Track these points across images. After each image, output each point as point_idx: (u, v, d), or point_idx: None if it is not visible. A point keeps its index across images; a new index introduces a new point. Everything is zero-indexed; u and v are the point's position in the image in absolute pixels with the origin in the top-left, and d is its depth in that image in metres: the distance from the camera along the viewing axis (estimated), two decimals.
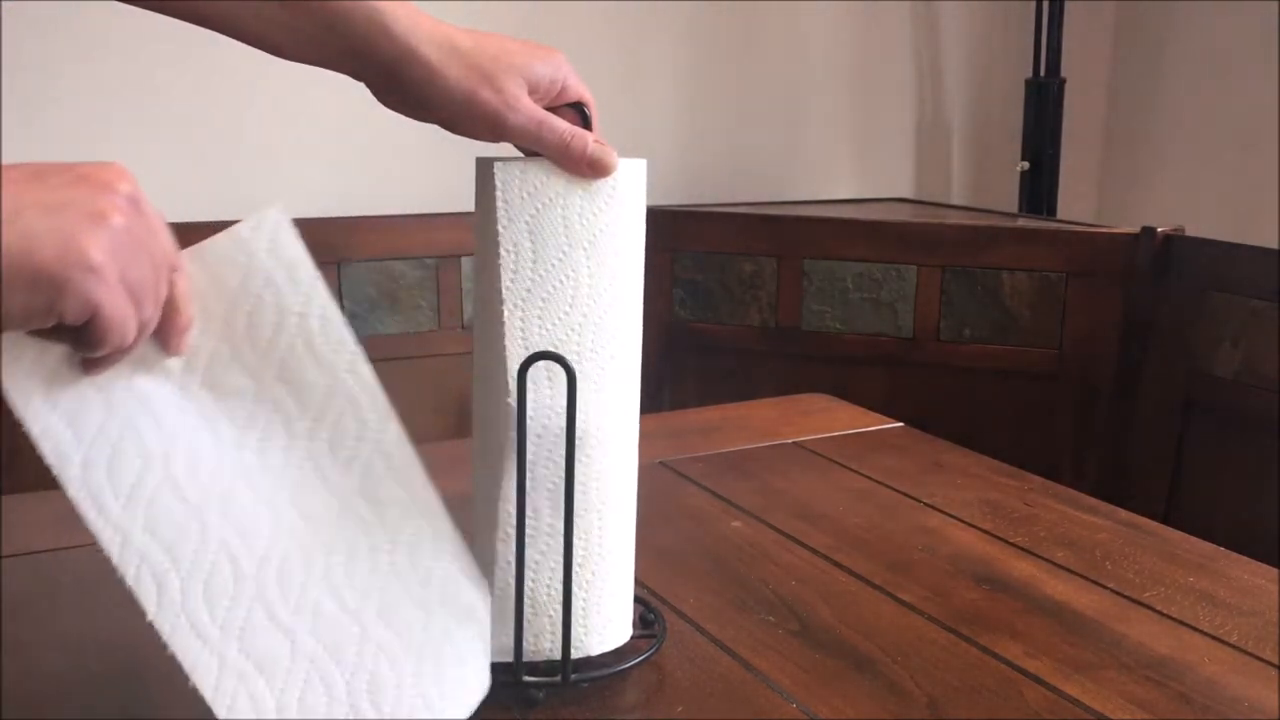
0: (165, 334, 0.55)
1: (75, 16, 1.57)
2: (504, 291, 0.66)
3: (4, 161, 0.48)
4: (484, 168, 0.66)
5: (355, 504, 0.61)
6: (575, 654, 0.70)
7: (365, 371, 0.60)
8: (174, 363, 0.57)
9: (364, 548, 0.62)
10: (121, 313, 0.50)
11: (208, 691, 0.56)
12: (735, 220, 1.90)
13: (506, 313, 0.66)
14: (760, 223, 1.88)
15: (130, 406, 0.55)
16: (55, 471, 0.54)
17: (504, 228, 0.65)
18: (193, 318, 0.56)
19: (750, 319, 1.88)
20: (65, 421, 0.54)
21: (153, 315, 0.53)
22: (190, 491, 0.56)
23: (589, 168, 0.66)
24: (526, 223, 0.65)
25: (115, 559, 0.55)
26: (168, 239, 0.53)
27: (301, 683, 0.59)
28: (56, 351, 0.53)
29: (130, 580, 0.55)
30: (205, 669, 0.56)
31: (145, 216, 0.51)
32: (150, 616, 0.56)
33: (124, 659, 0.74)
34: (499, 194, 0.65)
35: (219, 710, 0.56)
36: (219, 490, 0.57)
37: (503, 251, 0.65)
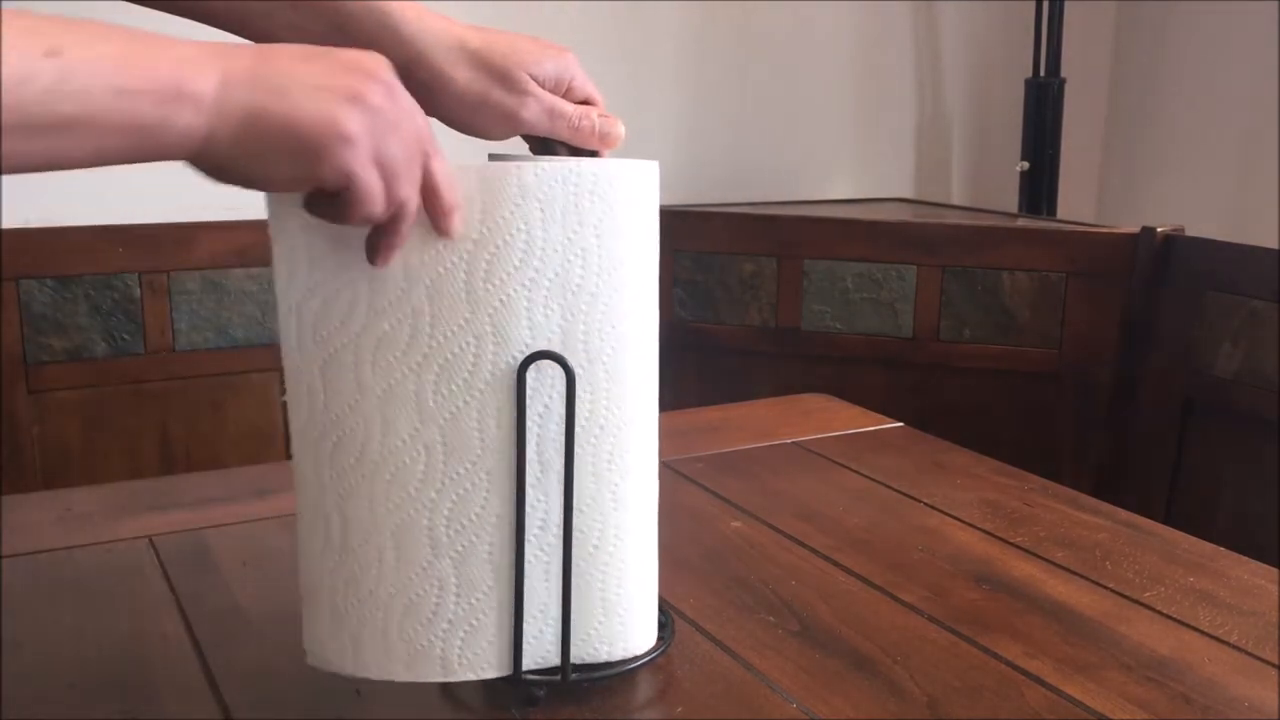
0: (432, 213, 0.59)
1: (77, 16, 1.57)
2: (527, 292, 0.65)
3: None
4: (504, 163, 0.66)
5: (492, 460, 0.64)
6: (603, 658, 0.69)
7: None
8: (413, 255, 0.60)
9: (479, 500, 0.64)
10: (372, 184, 0.55)
11: (299, 509, 0.65)
12: (735, 220, 1.90)
13: (527, 313, 0.65)
14: (760, 223, 1.88)
15: (361, 269, 0.60)
16: (280, 291, 0.62)
17: (525, 226, 0.65)
18: (457, 201, 0.59)
19: (750, 319, 1.88)
20: (307, 257, 0.61)
21: (409, 194, 0.56)
22: (365, 367, 0.62)
23: (599, 141, 0.68)
24: (559, 220, 0.65)
25: (288, 378, 0.63)
26: (424, 125, 0.57)
27: (360, 564, 0.64)
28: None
29: (290, 398, 0.63)
30: (307, 496, 0.64)
31: (400, 103, 0.55)
32: (292, 433, 0.63)
33: (124, 659, 0.74)
34: (527, 193, 0.64)
35: (300, 531, 0.65)
36: (389, 380, 0.62)
37: (529, 251, 0.65)
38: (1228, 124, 2.22)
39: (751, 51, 2.11)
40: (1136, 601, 0.84)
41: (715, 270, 1.88)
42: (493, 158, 0.68)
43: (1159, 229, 1.72)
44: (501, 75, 0.65)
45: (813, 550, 0.92)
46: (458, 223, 0.60)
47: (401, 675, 0.65)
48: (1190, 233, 1.75)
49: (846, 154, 2.25)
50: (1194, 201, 2.25)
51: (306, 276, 0.61)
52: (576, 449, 0.66)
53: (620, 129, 0.68)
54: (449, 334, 0.62)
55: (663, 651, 0.74)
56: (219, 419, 1.63)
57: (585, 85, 0.69)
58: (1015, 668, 0.74)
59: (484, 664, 0.66)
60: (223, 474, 1.15)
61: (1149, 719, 0.68)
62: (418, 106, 0.57)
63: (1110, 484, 1.74)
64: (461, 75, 0.64)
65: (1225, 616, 0.81)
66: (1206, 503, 1.66)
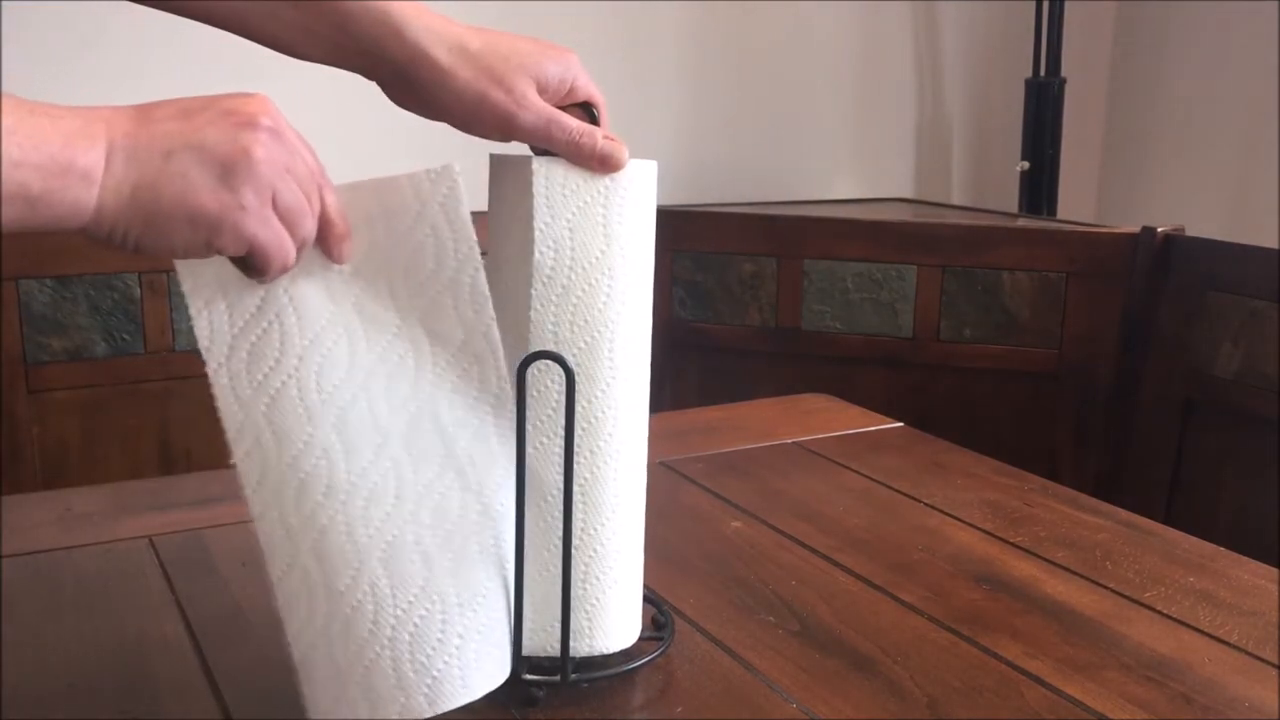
0: (326, 244, 0.59)
1: (76, 16, 1.57)
2: (535, 290, 0.65)
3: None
4: (512, 165, 0.66)
5: (459, 459, 0.63)
6: (586, 653, 0.70)
7: (497, 341, 0.64)
8: (333, 278, 0.61)
9: (456, 503, 0.63)
10: (278, 240, 0.55)
11: (274, 575, 0.61)
12: (735, 220, 1.90)
13: (535, 311, 0.66)
14: (760, 223, 1.88)
15: (284, 305, 0.60)
16: (203, 349, 0.60)
17: (544, 225, 0.65)
18: (349, 229, 0.60)
19: (750, 319, 1.88)
20: (225, 306, 0.60)
21: (311, 230, 0.57)
22: (312, 396, 0.60)
23: (599, 164, 0.66)
24: (568, 221, 0.65)
25: (231, 436, 0.60)
26: (313, 159, 0.57)
27: (354, 604, 0.60)
28: None
29: (239, 458, 0.60)
30: (279, 556, 0.61)
31: (288, 142, 0.55)
32: (247, 494, 0.60)
33: (124, 659, 0.74)
34: (540, 191, 0.65)
35: (279, 600, 0.61)
36: (340, 403, 0.61)
37: (540, 250, 0.65)
38: (1228, 124, 2.22)
39: (752, 52, 2.11)
40: (1136, 601, 0.84)
41: (715, 270, 1.88)
42: (494, 157, 0.68)
43: (1159, 229, 1.72)
44: (501, 77, 0.65)
45: (813, 550, 0.92)
46: (349, 250, 0.60)
47: (426, 711, 0.61)
48: (1190, 233, 1.75)
49: (846, 154, 2.25)
50: (1194, 201, 2.25)
51: (229, 325, 0.60)
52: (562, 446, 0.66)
53: (624, 154, 0.66)
54: (385, 344, 0.62)
55: (663, 651, 0.74)
56: (219, 419, 1.62)
57: (588, 86, 0.68)
58: (1015, 668, 0.74)
59: (502, 670, 0.65)
60: (223, 474, 1.14)
61: (1149, 719, 0.68)
62: (304, 139, 0.57)
63: (1110, 484, 1.74)
64: (461, 76, 0.64)
65: (1225, 616, 0.81)
66: (1206, 503, 1.66)
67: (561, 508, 0.67)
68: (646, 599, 0.76)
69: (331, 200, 0.59)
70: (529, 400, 0.66)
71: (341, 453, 0.60)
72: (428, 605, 0.61)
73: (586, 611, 0.69)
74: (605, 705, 0.69)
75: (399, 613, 0.61)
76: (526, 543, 0.67)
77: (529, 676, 0.68)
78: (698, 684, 0.72)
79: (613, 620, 0.71)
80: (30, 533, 0.92)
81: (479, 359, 0.64)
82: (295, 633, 0.61)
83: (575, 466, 0.67)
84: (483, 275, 0.63)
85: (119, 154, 0.51)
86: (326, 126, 1.74)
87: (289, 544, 0.60)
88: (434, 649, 0.61)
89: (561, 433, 0.66)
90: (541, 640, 0.69)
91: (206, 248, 0.54)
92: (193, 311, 0.59)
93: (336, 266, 0.61)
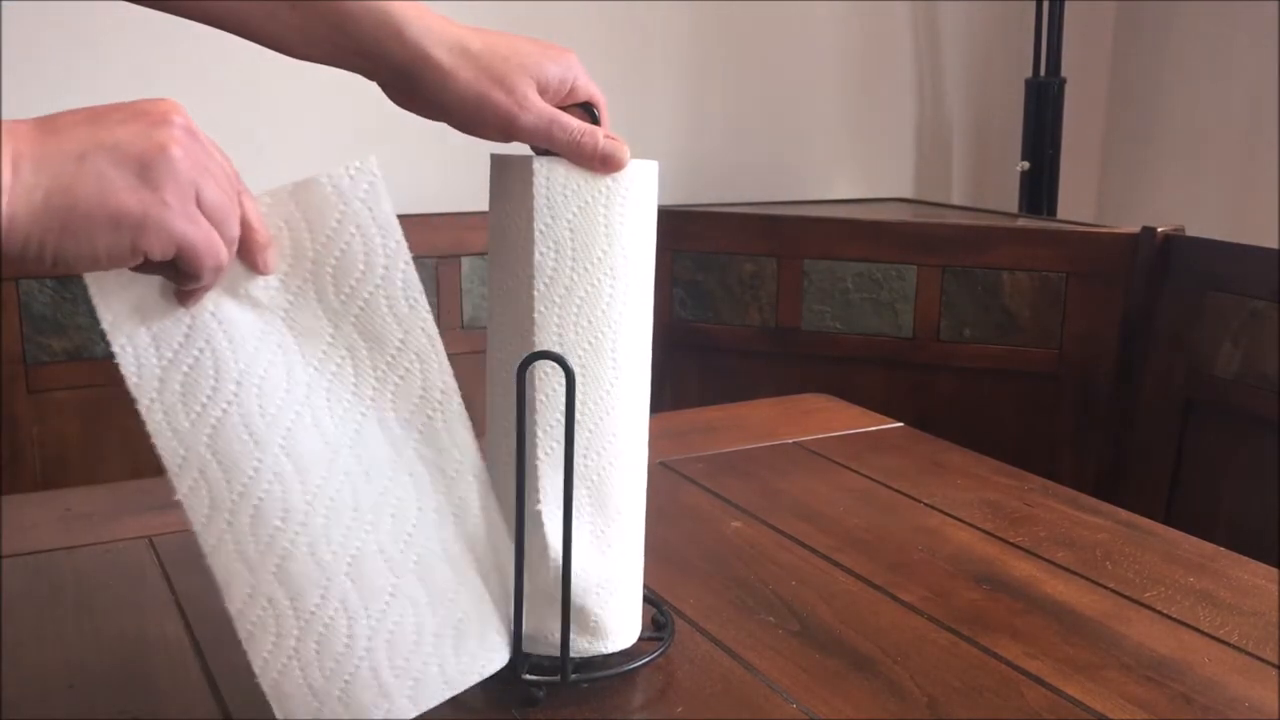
0: (247, 253, 0.57)
1: (76, 16, 1.57)
2: (537, 291, 0.65)
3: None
4: (514, 165, 0.66)
5: (411, 460, 0.63)
6: (586, 653, 0.70)
7: (435, 334, 0.62)
8: (259, 293, 0.59)
9: (413, 504, 0.63)
10: (207, 238, 0.52)
11: (234, 608, 0.59)
12: (735, 220, 1.90)
13: (538, 312, 0.66)
14: (760, 223, 1.88)
15: (212, 329, 0.57)
16: (132, 385, 0.56)
17: (545, 226, 0.65)
18: (270, 236, 0.58)
19: (750, 319, 1.88)
20: (149, 339, 0.56)
21: (237, 230, 0.54)
22: (256, 420, 0.58)
23: (601, 163, 0.66)
24: (569, 221, 0.65)
25: (173, 472, 0.57)
26: (228, 163, 0.55)
27: (327, 621, 0.60)
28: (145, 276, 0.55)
29: (183, 493, 0.57)
30: (238, 587, 0.59)
31: (203, 142, 0.53)
32: (196, 529, 0.58)
33: (124, 659, 0.74)
34: (540, 191, 0.65)
35: (241, 632, 0.59)
36: (285, 423, 0.59)
37: (541, 250, 0.65)
38: (1228, 124, 2.22)
39: (752, 51, 2.11)
40: (1136, 601, 0.84)
41: (715, 270, 1.88)
42: (495, 158, 0.68)
43: (1159, 229, 1.72)
44: (501, 78, 0.65)
45: (813, 550, 0.92)
46: (273, 257, 0.58)
47: (410, 711, 0.62)
48: (1190, 233, 1.75)
49: (846, 154, 2.25)
50: (1194, 201, 2.25)
51: (156, 358, 0.57)
52: (560, 444, 0.66)
53: (625, 153, 0.66)
54: (322, 354, 0.60)
55: (663, 652, 0.74)
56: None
57: (588, 86, 0.68)
58: (1015, 668, 0.74)
59: (482, 662, 0.66)
60: None
61: (1149, 719, 0.68)
62: (216, 144, 0.54)
63: (1110, 484, 1.74)
64: (462, 76, 0.64)
65: (1225, 616, 0.81)
66: (1206, 503, 1.66)
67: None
68: (646, 599, 0.76)
69: (250, 206, 0.56)
70: (538, 403, 0.66)
71: (294, 474, 0.59)
72: (400, 610, 0.61)
73: (587, 611, 0.69)
74: (605, 705, 0.69)
75: (373, 622, 0.61)
76: (526, 543, 0.67)
77: (529, 676, 0.68)
78: (698, 684, 0.72)
79: (613, 620, 0.71)
80: (30, 533, 0.92)
81: (420, 356, 0.62)
82: (263, 662, 0.60)
83: (581, 468, 0.67)
84: (413, 269, 0.61)
85: (26, 162, 0.48)
86: (327, 127, 1.75)
87: (249, 574, 0.59)
88: (412, 651, 0.62)
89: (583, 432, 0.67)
90: (542, 640, 0.69)
91: (132, 252, 0.50)
92: (115, 348, 0.56)
93: (261, 280, 0.58)
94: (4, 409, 1.51)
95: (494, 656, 0.66)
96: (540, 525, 0.68)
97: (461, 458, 0.64)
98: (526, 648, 0.69)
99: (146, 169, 0.50)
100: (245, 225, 0.56)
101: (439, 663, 0.63)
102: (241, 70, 1.64)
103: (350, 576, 0.60)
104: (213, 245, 0.52)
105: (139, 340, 0.56)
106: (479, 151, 0.69)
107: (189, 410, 0.57)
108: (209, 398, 0.57)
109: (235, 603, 0.59)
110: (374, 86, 0.67)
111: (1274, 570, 0.89)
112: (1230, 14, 2.18)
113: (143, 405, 0.57)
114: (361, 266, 0.60)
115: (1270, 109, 2.12)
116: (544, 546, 0.68)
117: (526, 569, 0.68)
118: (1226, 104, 2.21)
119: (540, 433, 0.67)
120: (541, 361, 0.65)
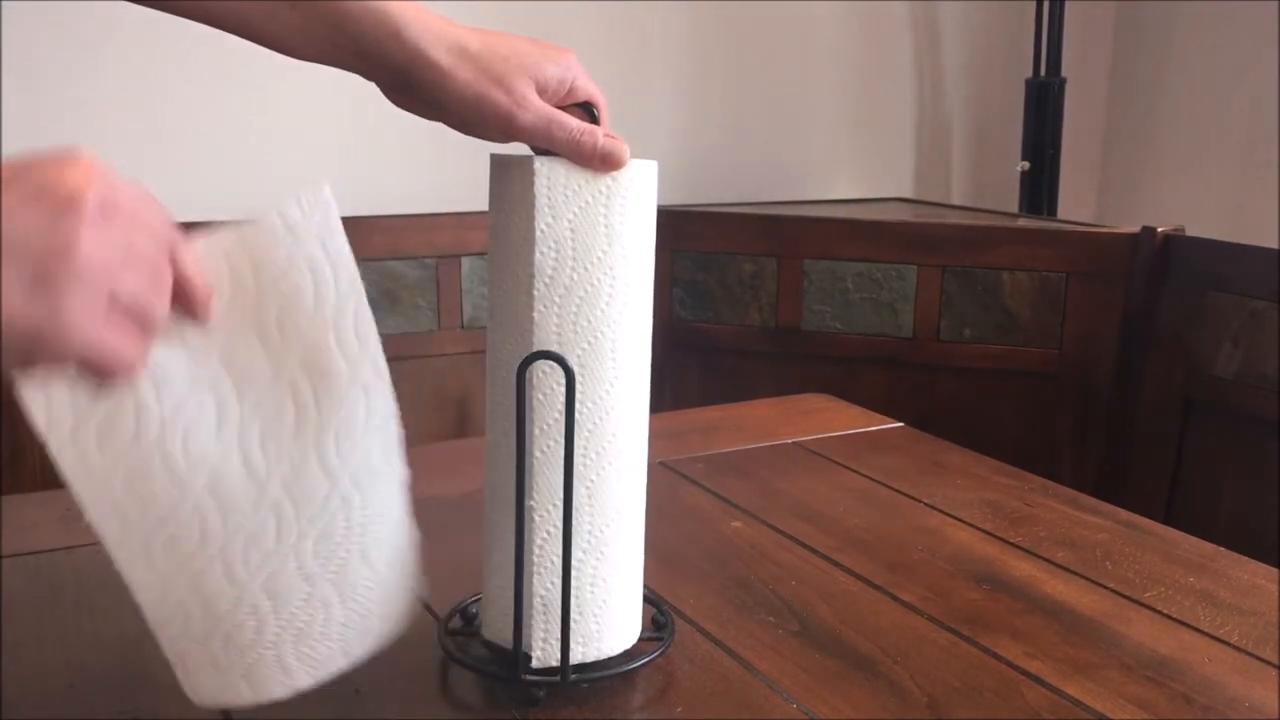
0: (187, 309, 0.52)
1: (76, 16, 1.57)
2: (536, 291, 0.65)
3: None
4: (514, 165, 0.66)
5: (346, 487, 0.62)
6: (586, 653, 0.70)
7: (383, 366, 0.61)
8: (193, 337, 0.55)
9: (341, 525, 0.62)
10: (116, 347, 0.46)
11: (145, 602, 0.58)
12: (735, 220, 1.90)
13: (538, 312, 0.66)
14: (760, 223, 1.88)
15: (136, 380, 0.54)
16: (40, 429, 0.53)
17: (547, 225, 0.65)
18: (210, 286, 0.53)
19: (750, 319, 1.88)
20: (65, 386, 0.53)
21: (162, 316, 0.50)
22: (179, 463, 0.57)
23: (601, 162, 0.65)
24: (570, 221, 0.65)
25: (83, 502, 0.55)
26: (159, 220, 0.49)
27: (236, 624, 0.60)
28: None
29: (94, 520, 0.56)
30: (149, 591, 0.58)
31: (123, 217, 0.46)
32: (107, 547, 0.56)
33: (124, 659, 0.74)
34: (542, 191, 0.65)
35: (149, 619, 0.59)
36: (210, 464, 0.57)
37: (541, 250, 0.65)
38: (1228, 124, 2.22)
39: (752, 51, 2.11)
40: (1136, 601, 0.84)
41: (715, 270, 1.88)
42: (495, 158, 0.68)
43: (1159, 229, 1.72)
44: (500, 78, 0.65)
45: (813, 550, 0.92)
46: (213, 309, 0.54)
47: (309, 682, 0.63)
48: (1190, 233, 1.75)
49: (846, 154, 2.25)
50: (1194, 201, 2.25)
51: (70, 409, 0.54)
52: (560, 445, 0.66)
53: (625, 152, 0.66)
54: (259, 394, 0.58)
55: (663, 651, 0.74)
56: None
57: (588, 86, 0.68)
58: (1015, 668, 0.74)
59: (383, 633, 0.65)
60: None
61: (1149, 719, 0.68)
62: (143, 192, 0.48)
63: (1110, 484, 1.74)
64: (461, 77, 0.64)
65: (1225, 616, 0.82)
66: (1206, 503, 1.66)
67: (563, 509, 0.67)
68: (646, 599, 0.76)
69: (188, 261, 0.51)
70: (536, 403, 0.66)
71: (216, 510, 0.58)
72: (311, 611, 0.62)
73: (587, 612, 0.69)
74: (605, 705, 0.69)
75: (282, 623, 0.61)
76: (527, 542, 0.67)
77: (529, 676, 0.68)
78: (698, 684, 0.72)
79: (613, 620, 0.71)
80: (30, 533, 0.92)
81: (367, 390, 0.60)
82: (171, 637, 0.60)
83: (581, 468, 0.67)
84: (366, 305, 0.59)
85: None
86: (327, 127, 1.75)
87: (160, 583, 0.58)
88: (317, 640, 0.62)
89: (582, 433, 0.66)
90: (542, 640, 0.69)
91: (26, 365, 0.45)
92: (24, 394, 0.52)
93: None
94: (4, 409, 1.51)
95: (394, 626, 0.66)
96: (540, 525, 0.68)
97: (391, 470, 0.63)
98: (526, 648, 0.69)
99: (45, 274, 0.43)
100: (181, 280, 0.51)
101: (343, 641, 0.63)
102: (241, 70, 1.64)
103: (265, 590, 0.60)
104: (122, 355, 0.47)
105: (52, 388, 0.53)
106: (479, 151, 0.69)
107: (105, 453, 0.55)
108: (128, 442, 0.55)
109: (146, 602, 0.59)
110: (373, 86, 0.67)
111: (1274, 570, 0.89)
112: (1231, 14, 2.18)
113: (52, 448, 0.54)
114: (311, 304, 0.57)
115: (1270, 109, 2.12)
116: (544, 546, 0.68)
117: (526, 569, 0.68)
118: (1227, 104, 2.21)
119: (539, 432, 0.67)
120: (541, 361, 0.65)
